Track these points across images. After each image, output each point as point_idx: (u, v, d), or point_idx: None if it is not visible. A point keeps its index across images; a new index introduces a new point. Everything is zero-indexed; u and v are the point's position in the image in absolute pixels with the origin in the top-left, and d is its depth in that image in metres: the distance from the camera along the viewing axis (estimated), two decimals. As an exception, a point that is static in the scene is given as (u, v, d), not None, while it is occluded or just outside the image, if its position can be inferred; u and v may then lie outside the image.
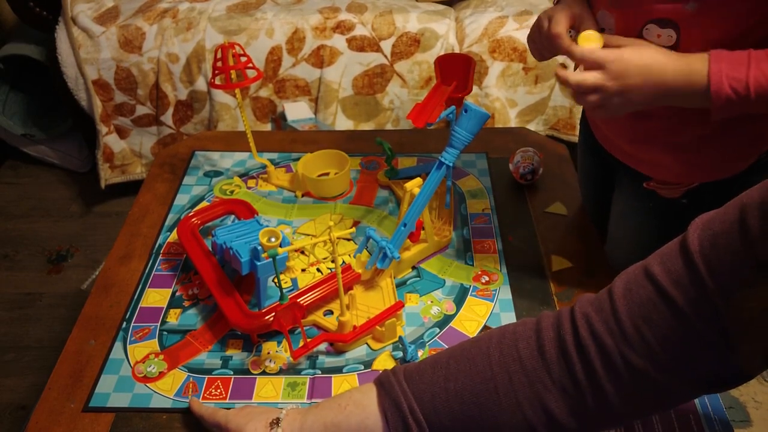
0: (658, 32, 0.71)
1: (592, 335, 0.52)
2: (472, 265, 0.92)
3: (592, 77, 0.70)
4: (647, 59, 0.68)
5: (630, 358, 0.50)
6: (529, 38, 0.84)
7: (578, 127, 1.20)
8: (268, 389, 0.76)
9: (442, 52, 1.77)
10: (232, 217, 0.98)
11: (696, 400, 0.74)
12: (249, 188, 1.07)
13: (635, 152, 0.87)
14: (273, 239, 0.76)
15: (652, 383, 0.51)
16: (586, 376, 0.52)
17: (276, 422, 0.61)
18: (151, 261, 0.93)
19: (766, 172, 0.80)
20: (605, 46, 0.72)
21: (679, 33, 0.70)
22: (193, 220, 0.95)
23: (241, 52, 0.93)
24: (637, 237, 0.90)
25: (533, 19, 0.96)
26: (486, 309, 0.85)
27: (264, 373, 0.78)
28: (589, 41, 0.73)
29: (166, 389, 0.76)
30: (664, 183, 0.85)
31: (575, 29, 0.77)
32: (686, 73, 0.67)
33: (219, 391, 0.76)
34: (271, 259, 0.73)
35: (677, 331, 0.49)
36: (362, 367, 0.78)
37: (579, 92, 0.72)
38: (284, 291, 0.79)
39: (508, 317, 0.84)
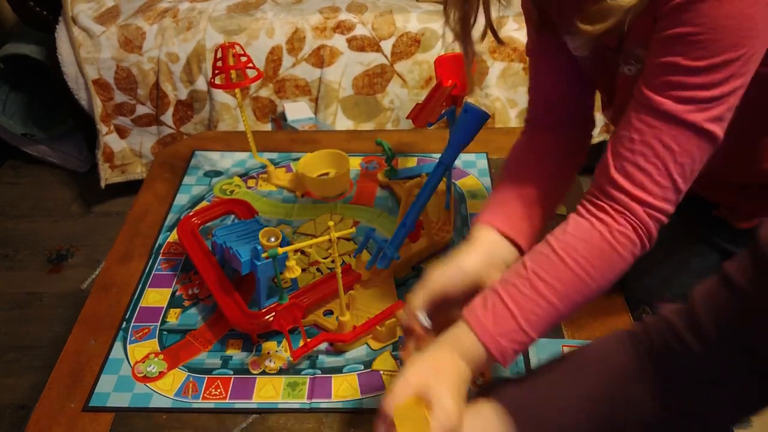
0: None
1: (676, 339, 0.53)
2: (472, 265, 0.91)
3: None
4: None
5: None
6: None
7: None
8: (268, 389, 0.76)
9: (443, 52, 1.76)
10: (232, 217, 0.98)
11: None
12: (249, 188, 1.07)
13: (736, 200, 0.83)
14: (273, 239, 0.77)
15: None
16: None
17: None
18: (151, 261, 0.93)
19: None
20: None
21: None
22: (193, 219, 0.95)
23: (241, 52, 0.93)
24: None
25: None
26: (486, 309, 0.85)
27: (264, 372, 0.78)
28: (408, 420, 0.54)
29: (166, 389, 0.76)
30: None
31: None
32: (467, 355, 0.59)
33: (219, 391, 0.76)
34: (271, 259, 0.73)
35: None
36: (362, 367, 0.78)
37: None
38: (284, 291, 0.79)
39: (508, 317, 0.83)
